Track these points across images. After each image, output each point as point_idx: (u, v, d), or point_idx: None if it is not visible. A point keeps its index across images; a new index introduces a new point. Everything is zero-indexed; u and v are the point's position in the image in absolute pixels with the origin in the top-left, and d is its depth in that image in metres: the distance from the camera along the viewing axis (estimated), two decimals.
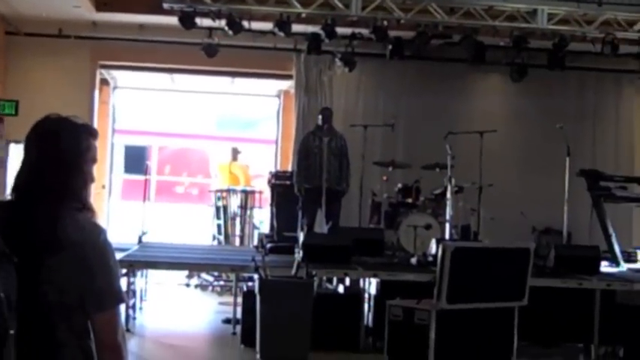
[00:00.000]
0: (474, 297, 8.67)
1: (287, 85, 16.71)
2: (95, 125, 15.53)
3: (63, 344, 3.05)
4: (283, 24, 13.83)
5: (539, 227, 14.74)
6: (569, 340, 11.09)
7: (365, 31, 14.51)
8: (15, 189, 3.19)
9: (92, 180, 3.27)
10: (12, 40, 15.19)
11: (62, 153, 3.18)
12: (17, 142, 14.55)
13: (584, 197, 12.79)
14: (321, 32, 14.22)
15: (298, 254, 10.84)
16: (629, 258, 13.02)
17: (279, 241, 13.15)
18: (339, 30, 14.27)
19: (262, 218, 16.08)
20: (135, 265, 11.32)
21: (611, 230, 12.61)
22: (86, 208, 3.19)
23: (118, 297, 3.13)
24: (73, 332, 3.06)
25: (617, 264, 12.39)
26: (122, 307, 3.19)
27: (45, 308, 3.01)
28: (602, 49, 14.62)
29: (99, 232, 3.13)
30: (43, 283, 3.00)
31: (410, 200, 13.27)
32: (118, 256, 11.60)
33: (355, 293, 11.08)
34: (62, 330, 3.05)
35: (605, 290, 10.81)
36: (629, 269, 12.37)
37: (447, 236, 12.11)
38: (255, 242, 14.78)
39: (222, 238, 16.20)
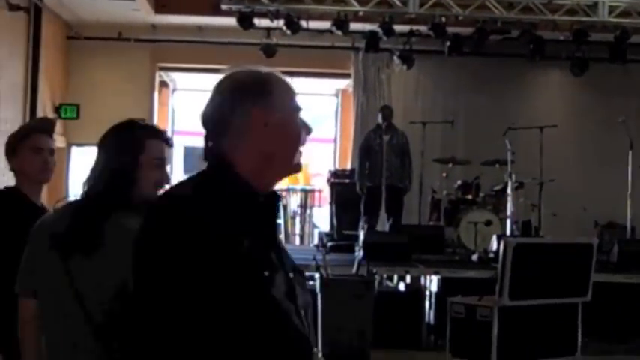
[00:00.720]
0: (536, 293, 8.63)
1: (345, 83, 16.76)
2: None
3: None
4: (341, 23, 13.87)
5: (602, 222, 14.58)
6: (635, 336, 10.99)
7: (423, 28, 14.49)
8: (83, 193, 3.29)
9: (158, 182, 3.35)
10: (73, 44, 15.42)
11: (112, 159, 3.26)
12: (79, 145, 14.80)
13: None
14: (379, 30, 14.24)
15: (359, 252, 10.86)
16: None
17: (339, 239, 13.20)
18: (397, 27, 14.28)
19: (322, 217, 16.13)
20: None
21: None
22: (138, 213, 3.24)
23: None
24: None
25: None
26: None
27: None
28: None
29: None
30: (82, 282, 3.09)
31: (470, 197, 13.23)
32: None
33: (416, 290, 11.05)
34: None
35: None
36: None
37: (507, 232, 12.05)
38: (316, 241, 14.82)
39: (282, 237, 16.27)
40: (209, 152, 2.36)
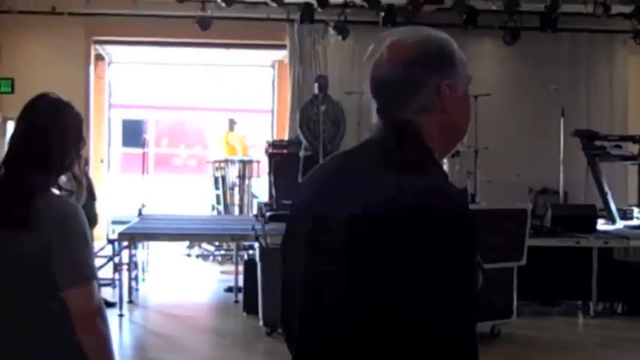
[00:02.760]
0: None
1: (281, 55, 16.67)
2: (91, 101, 15.57)
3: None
4: None
5: (536, 188, 14.73)
6: (568, 298, 11.15)
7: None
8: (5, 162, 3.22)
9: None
10: (5, 18, 15.13)
11: (67, 129, 3.23)
12: (14, 119, 14.56)
13: (580, 157, 12.83)
14: (314, 1, 14.22)
15: None
16: (625, 215, 13.03)
17: (278, 209, 13.13)
18: None
19: (260, 187, 16.06)
20: (135, 237, 11.32)
21: (606, 188, 12.63)
22: (77, 180, 3.24)
23: (86, 273, 3.11)
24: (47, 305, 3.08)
25: (614, 221, 12.42)
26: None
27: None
28: (594, 10, 14.60)
29: (67, 208, 3.13)
30: (15, 255, 3.04)
31: None
32: (119, 228, 11.61)
33: None
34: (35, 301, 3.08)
35: (602, 248, 10.85)
36: (626, 226, 12.38)
37: None
38: (255, 211, 14.76)
39: (221, 207, 16.21)
40: (389, 118, 2.33)
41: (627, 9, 14.87)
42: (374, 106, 2.37)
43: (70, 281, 3.03)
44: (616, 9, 14.69)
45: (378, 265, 2.08)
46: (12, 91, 14.53)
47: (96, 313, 3.09)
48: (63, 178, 3.20)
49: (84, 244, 3.11)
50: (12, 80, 14.58)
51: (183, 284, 13.22)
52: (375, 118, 2.37)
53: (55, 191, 3.15)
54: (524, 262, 9.11)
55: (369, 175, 2.22)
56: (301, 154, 13.32)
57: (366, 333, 2.10)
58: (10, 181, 3.12)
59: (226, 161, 16.28)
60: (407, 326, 2.06)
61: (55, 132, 3.19)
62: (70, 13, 15.26)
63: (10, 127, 14.96)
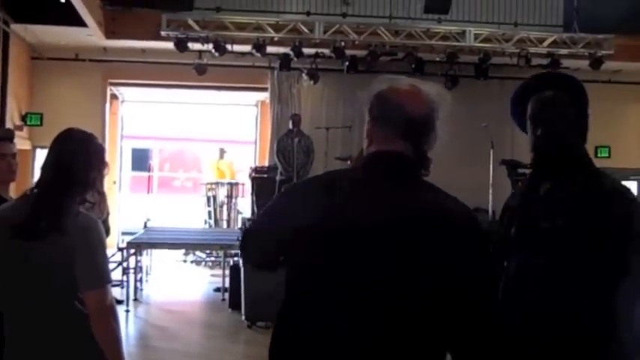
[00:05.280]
0: None
1: (263, 96, 16.72)
2: (107, 132, 15.57)
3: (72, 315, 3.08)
4: (259, 46, 13.87)
5: (470, 207, 14.83)
6: None
7: (326, 51, 14.56)
8: (40, 182, 3.20)
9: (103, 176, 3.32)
10: (37, 63, 15.14)
11: (92, 155, 3.25)
12: (42, 147, 14.54)
13: (505, 182, 12.90)
14: (291, 52, 14.27)
15: None
16: None
17: None
18: (305, 50, 14.33)
19: (245, 205, 16.09)
20: (141, 245, 11.36)
21: None
22: (100, 194, 3.26)
23: (103, 278, 3.10)
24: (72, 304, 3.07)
25: None
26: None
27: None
28: (517, 62, 14.79)
29: (89, 222, 3.12)
30: (44, 262, 3.02)
31: None
32: (127, 238, 11.58)
33: None
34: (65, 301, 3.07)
35: None
36: None
37: None
38: (239, 225, 14.79)
39: (212, 222, 16.22)
40: (414, 146, 2.52)
41: (544, 61, 15.05)
42: (387, 129, 2.53)
43: (90, 284, 3.02)
44: (535, 61, 14.87)
45: (431, 249, 2.34)
46: (41, 124, 14.51)
47: (109, 311, 3.08)
48: (88, 194, 3.19)
49: (101, 253, 3.11)
50: (41, 115, 14.56)
51: (180, 285, 13.20)
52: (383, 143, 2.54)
53: (80, 208, 3.12)
54: None
55: (400, 188, 2.46)
56: (278, 178, 13.41)
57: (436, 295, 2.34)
58: (43, 199, 3.10)
59: (217, 183, 16.31)
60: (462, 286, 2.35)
61: (80, 158, 3.17)
62: (90, 60, 15.32)
63: (39, 154, 15.02)
